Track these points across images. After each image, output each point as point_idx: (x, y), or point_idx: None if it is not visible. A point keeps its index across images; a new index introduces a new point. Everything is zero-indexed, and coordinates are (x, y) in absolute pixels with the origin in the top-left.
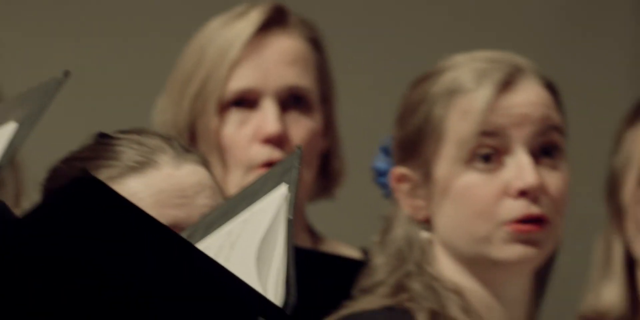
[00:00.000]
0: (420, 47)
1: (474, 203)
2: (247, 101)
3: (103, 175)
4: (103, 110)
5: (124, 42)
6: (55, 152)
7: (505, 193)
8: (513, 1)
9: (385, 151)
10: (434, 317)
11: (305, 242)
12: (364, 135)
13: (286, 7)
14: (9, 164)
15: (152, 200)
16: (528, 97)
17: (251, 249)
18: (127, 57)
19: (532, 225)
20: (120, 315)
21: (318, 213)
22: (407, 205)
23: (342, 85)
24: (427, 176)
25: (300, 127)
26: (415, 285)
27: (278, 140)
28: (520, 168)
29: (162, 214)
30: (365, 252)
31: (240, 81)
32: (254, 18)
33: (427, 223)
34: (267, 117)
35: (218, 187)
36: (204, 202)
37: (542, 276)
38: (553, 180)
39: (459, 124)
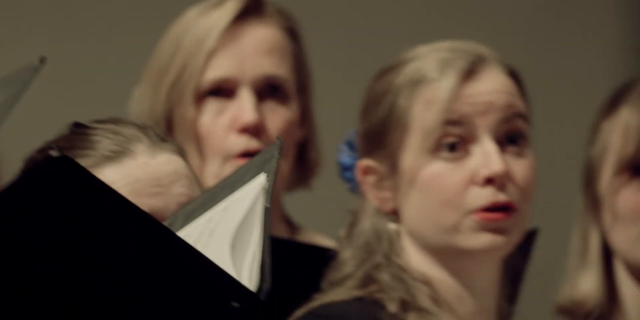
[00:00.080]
0: (395, 40)
1: (441, 192)
2: (223, 91)
3: None
4: (79, 100)
5: (99, 31)
6: (31, 142)
7: (471, 181)
8: None
9: (350, 145)
10: (404, 307)
11: (282, 232)
12: (339, 126)
13: None
14: None
15: (128, 189)
16: (492, 85)
17: (228, 236)
18: (103, 47)
19: (500, 213)
20: (95, 297)
21: (295, 203)
22: (373, 197)
23: (317, 77)
24: (393, 167)
25: (277, 117)
26: (384, 277)
27: (255, 130)
28: (486, 156)
29: (138, 203)
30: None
31: (216, 71)
32: (230, 7)
33: (394, 214)
34: (244, 106)
35: (194, 177)
36: (180, 191)
37: (517, 269)
38: (519, 167)
39: (423, 113)
